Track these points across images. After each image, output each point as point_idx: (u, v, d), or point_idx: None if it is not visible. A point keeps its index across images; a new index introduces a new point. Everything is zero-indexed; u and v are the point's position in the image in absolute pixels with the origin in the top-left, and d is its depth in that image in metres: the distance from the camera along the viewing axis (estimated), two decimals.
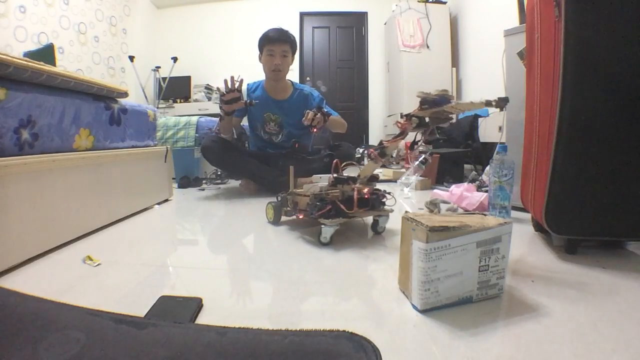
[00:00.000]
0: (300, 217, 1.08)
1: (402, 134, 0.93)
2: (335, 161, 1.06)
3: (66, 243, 0.97)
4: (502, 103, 0.74)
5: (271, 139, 1.93)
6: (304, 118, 1.59)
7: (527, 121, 1.02)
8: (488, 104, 0.75)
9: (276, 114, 1.87)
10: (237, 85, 1.55)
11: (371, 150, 1.01)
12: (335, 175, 1.04)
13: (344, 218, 0.97)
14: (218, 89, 1.61)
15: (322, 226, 0.95)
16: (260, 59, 1.84)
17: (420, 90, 0.86)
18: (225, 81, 1.54)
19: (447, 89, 0.84)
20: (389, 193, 1.08)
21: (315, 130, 1.58)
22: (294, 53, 1.84)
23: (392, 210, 1.07)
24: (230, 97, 1.55)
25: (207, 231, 1.23)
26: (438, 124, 0.90)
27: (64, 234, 0.97)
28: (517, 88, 1.26)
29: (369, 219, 1.11)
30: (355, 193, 0.97)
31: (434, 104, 0.84)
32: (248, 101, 1.67)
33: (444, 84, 3.43)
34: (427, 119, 0.90)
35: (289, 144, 1.82)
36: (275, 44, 1.75)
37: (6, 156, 0.79)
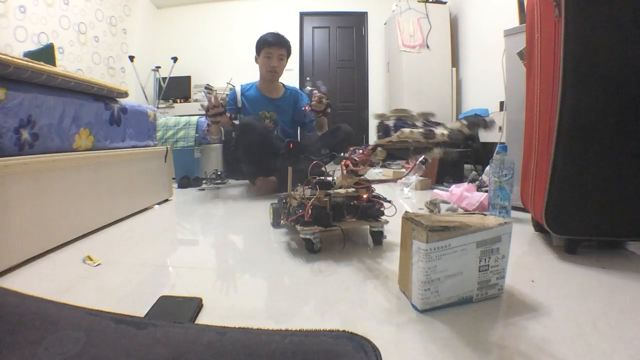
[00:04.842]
0: (282, 221, 1.02)
1: (367, 162, 0.76)
2: (313, 162, 0.99)
3: (66, 243, 0.97)
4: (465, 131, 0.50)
5: None
6: (310, 104, 1.72)
7: (527, 121, 1.02)
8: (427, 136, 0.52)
9: (271, 111, 1.98)
10: (220, 100, 1.67)
11: (345, 162, 0.83)
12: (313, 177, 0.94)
13: (320, 227, 0.86)
14: (202, 105, 1.72)
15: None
16: (256, 60, 1.96)
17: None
18: (209, 98, 1.64)
19: (406, 108, 0.68)
20: (389, 201, 0.96)
21: (309, 108, 1.71)
22: (288, 56, 1.96)
23: (387, 222, 0.94)
24: (214, 112, 1.65)
25: (207, 231, 1.23)
26: (417, 154, 0.65)
27: (64, 234, 0.97)
28: (517, 88, 1.26)
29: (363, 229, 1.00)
30: (309, 203, 0.85)
31: (389, 131, 0.68)
32: (233, 115, 1.85)
33: (444, 84, 3.43)
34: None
35: (283, 140, 1.82)
36: (273, 47, 1.86)
37: (6, 156, 0.79)
